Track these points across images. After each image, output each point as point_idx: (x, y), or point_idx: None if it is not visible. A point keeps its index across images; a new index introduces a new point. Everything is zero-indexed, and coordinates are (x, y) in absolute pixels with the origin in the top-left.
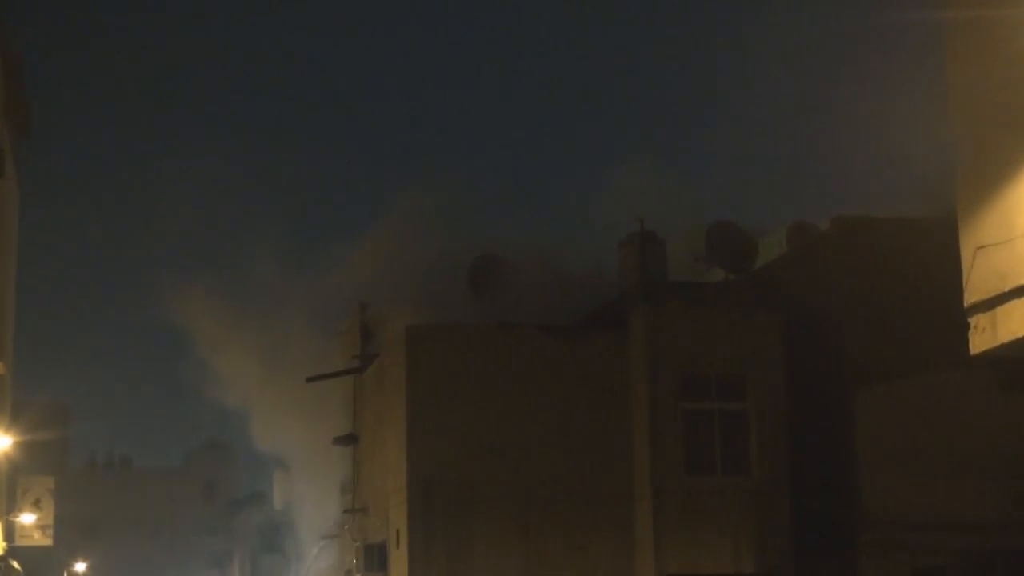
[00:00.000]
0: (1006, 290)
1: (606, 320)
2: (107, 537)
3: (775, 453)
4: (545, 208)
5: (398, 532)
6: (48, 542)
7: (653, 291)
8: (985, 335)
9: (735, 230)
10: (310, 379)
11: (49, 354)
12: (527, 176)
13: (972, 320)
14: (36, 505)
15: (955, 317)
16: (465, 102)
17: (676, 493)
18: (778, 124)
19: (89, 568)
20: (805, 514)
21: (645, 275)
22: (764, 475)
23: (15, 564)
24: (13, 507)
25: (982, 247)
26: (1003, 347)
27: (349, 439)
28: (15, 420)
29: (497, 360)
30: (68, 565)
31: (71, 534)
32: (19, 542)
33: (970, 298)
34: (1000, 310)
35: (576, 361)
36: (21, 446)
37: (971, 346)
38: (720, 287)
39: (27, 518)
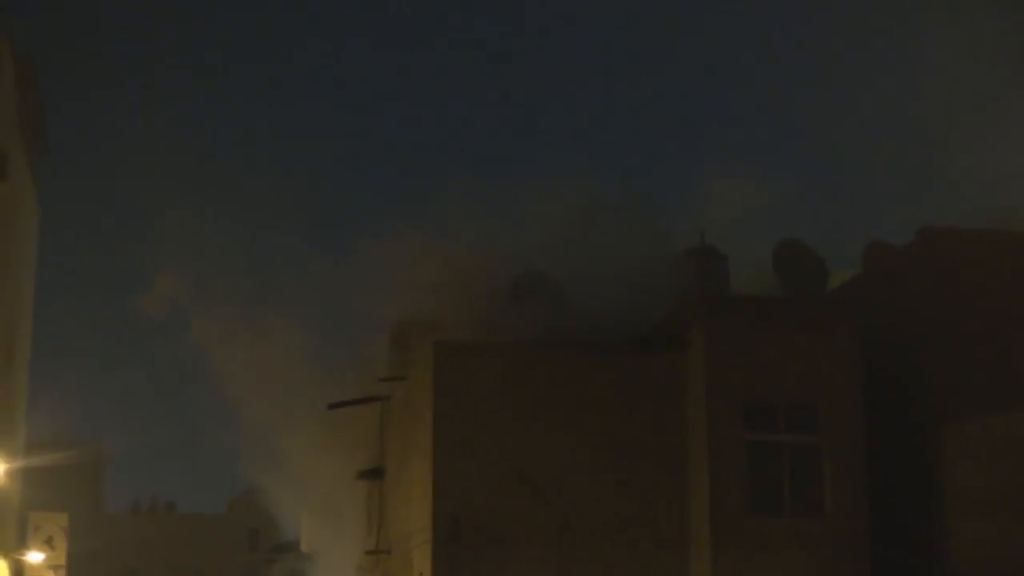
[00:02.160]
0: None
1: (661, 339)
2: None
3: (852, 492)
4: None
5: (421, 575)
6: None
7: (714, 306)
8: None
9: (805, 249)
10: (332, 406)
11: (80, 393)
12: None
13: None
14: (48, 544)
15: None
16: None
17: (738, 536)
18: (856, 141)
19: None
20: (882, 563)
21: (705, 289)
22: (839, 516)
23: None
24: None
25: None
26: None
27: (375, 473)
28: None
29: (536, 382)
30: None
31: None
32: None
33: None
34: None
35: (625, 384)
36: (51, 486)
37: None
38: (791, 304)
39: (35, 556)
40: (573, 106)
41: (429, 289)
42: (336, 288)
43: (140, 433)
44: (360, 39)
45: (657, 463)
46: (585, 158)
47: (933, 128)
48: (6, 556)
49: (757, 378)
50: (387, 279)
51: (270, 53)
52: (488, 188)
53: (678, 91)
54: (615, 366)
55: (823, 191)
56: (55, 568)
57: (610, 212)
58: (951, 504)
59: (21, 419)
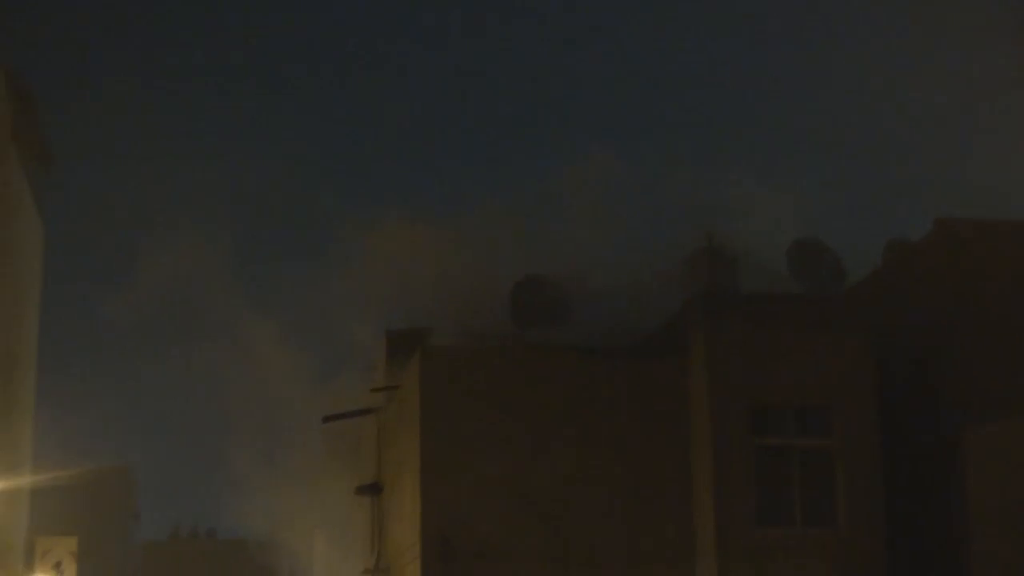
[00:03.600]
0: None
1: (664, 343)
2: None
3: (867, 501)
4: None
5: None
6: None
7: (716, 305)
8: None
9: (821, 248)
10: (327, 419)
11: (114, 413)
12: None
13: None
14: (57, 569)
15: None
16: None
17: (746, 548)
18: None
19: None
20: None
21: (710, 289)
22: (853, 527)
23: None
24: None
25: None
26: None
27: (373, 488)
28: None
29: (531, 389)
30: None
31: None
32: None
33: None
34: None
35: (626, 390)
36: (82, 514)
37: None
38: (801, 302)
39: None
40: (580, 102)
41: (425, 295)
42: (330, 292)
43: (167, 455)
44: (358, 26)
45: (661, 473)
46: (591, 156)
47: (947, 122)
48: None
49: (765, 380)
50: (381, 282)
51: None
52: (486, 186)
53: (686, 88)
54: (615, 372)
55: (839, 190)
56: None
57: (616, 212)
58: (972, 514)
59: (25, 437)
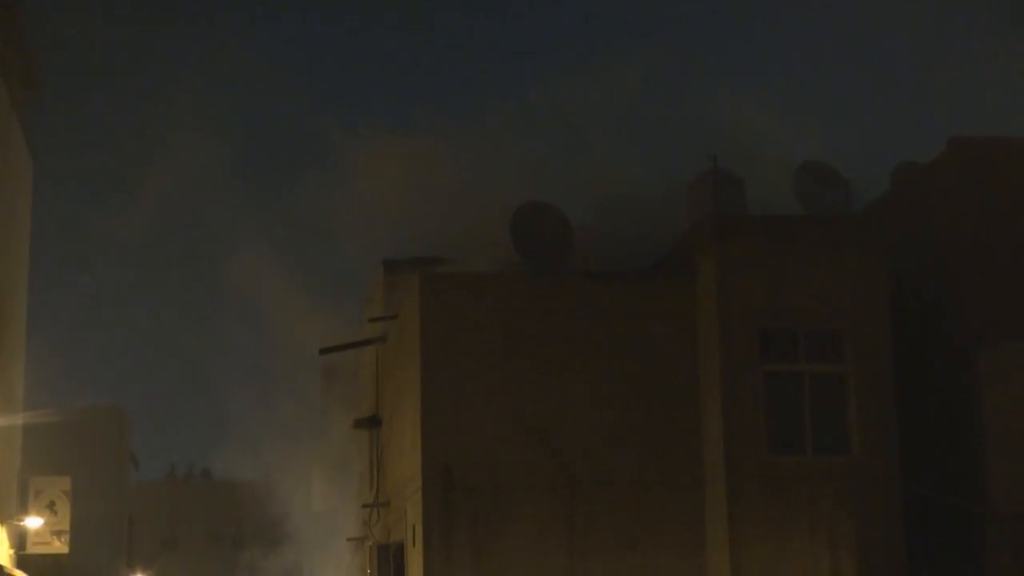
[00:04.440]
0: None
1: (671, 267)
2: (187, 550)
3: (880, 426)
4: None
5: (414, 528)
6: (65, 549)
7: (726, 226)
8: None
9: (829, 171)
10: (324, 351)
11: (106, 358)
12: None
13: None
14: (51, 508)
15: None
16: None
17: (756, 476)
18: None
19: None
20: (915, 503)
21: (719, 210)
22: (867, 454)
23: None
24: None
25: None
26: None
27: (371, 421)
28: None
29: (534, 316)
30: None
31: (151, 546)
32: (31, 549)
33: None
34: None
35: (632, 316)
36: (75, 453)
37: None
38: (811, 222)
39: (33, 522)
40: (574, 19)
41: (423, 221)
42: (328, 216)
43: (163, 396)
44: None
45: (669, 400)
46: (587, 75)
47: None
48: (5, 523)
49: (775, 303)
50: (378, 206)
51: None
52: (484, 111)
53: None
54: (621, 296)
55: (846, 111)
56: (58, 533)
57: (616, 135)
58: (988, 437)
59: (17, 376)
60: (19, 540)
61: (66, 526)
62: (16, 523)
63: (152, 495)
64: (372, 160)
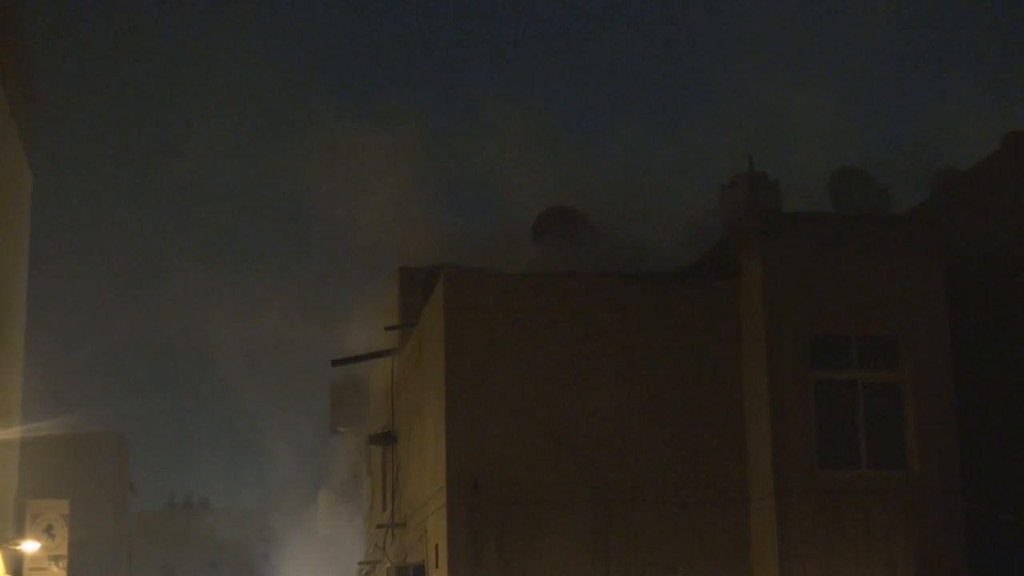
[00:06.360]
0: None
1: (711, 268)
2: None
3: (939, 438)
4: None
5: (436, 548)
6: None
7: (773, 224)
8: None
9: (864, 178)
10: (336, 363)
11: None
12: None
13: None
14: (48, 532)
15: None
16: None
17: (806, 492)
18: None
19: None
20: (977, 521)
21: (760, 209)
22: (925, 468)
23: None
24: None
25: None
26: None
27: (386, 438)
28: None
29: (566, 319)
30: None
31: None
32: (28, 575)
33: None
34: None
35: (672, 320)
36: (74, 476)
37: None
38: (864, 220)
39: (29, 546)
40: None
41: (440, 229)
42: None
43: (161, 419)
44: None
45: (711, 410)
46: (616, 74)
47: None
48: (1, 547)
49: (826, 307)
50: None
51: None
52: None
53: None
54: (658, 299)
55: (887, 106)
56: (56, 559)
57: (646, 137)
58: None
59: (15, 391)
60: (15, 565)
61: (64, 551)
62: (12, 547)
63: (150, 523)
64: (382, 163)
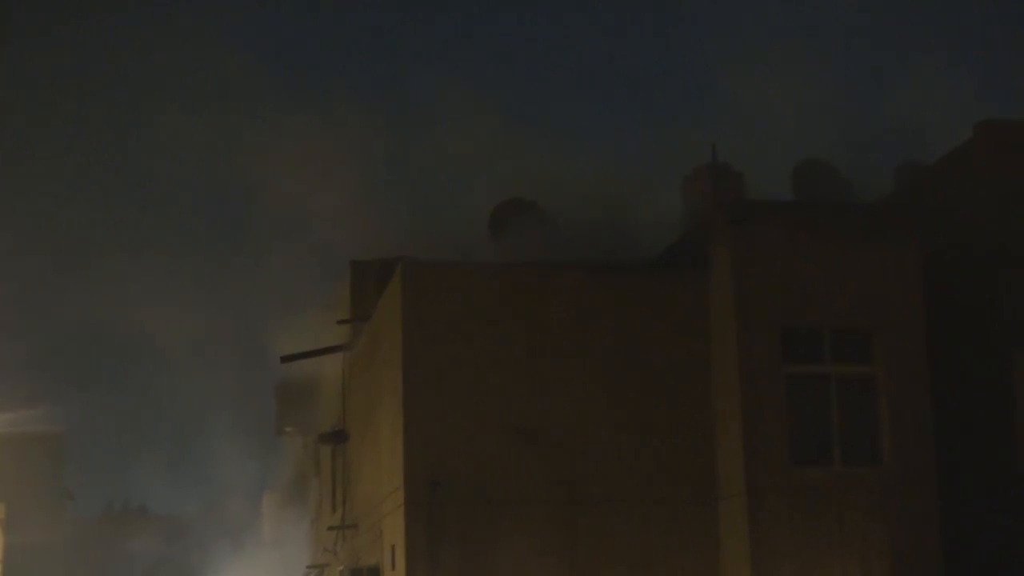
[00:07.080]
0: None
1: (679, 259)
2: None
3: (914, 433)
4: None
5: (393, 549)
6: None
7: (743, 213)
8: None
9: (828, 171)
10: (285, 359)
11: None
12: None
13: None
14: None
15: None
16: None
17: (779, 490)
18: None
19: None
20: (955, 519)
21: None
22: (900, 463)
23: None
24: None
25: None
26: None
27: (337, 436)
28: None
29: (530, 312)
30: None
31: None
32: None
33: None
34: None
35: (637, 312)
36: (9, 479)
37: None
38: (837, 210)
39: None
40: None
41: (394, 222)
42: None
43: (101, 424)
44: None
45: (680, 405)
46: (580, 65)
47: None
48: None
49: (798, 298)
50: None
51: None
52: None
53: None
54: (623, 291)
55: (855, 94)
56: None
57: (609, 128)
58: None
59: None
60: None
61: None
62: None
63: (88, 529)
64: (331, 154)
